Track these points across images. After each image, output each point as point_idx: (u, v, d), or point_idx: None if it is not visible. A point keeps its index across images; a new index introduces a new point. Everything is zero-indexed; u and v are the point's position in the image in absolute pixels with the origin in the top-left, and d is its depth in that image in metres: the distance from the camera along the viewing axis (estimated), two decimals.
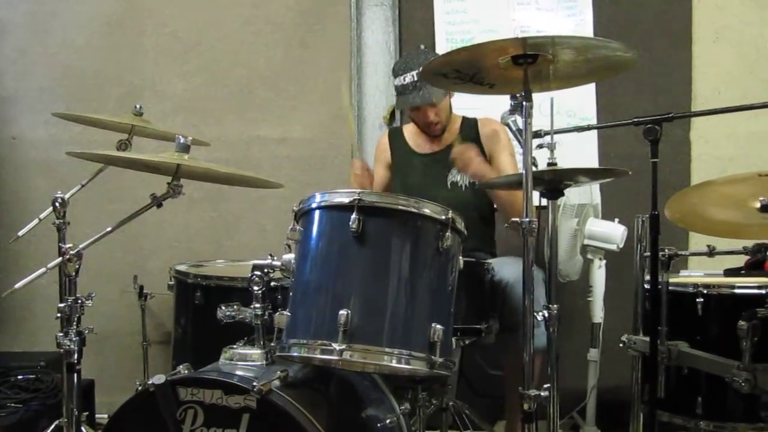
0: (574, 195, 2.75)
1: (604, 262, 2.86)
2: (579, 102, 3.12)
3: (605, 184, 2.87)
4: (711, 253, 2.18)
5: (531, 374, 1.69)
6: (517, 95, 1.65)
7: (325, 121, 3.25)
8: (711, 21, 3.16)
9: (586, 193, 2.82)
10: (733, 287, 2.18)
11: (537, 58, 1.63)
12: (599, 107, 3.15)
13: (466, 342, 2.06)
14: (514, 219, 1.66)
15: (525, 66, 1.62)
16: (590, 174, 2.15)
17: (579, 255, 2.83)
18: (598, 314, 2.86)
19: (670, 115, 1.96)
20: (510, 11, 3.22)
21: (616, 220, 2.83)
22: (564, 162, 2.04)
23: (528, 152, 1.64)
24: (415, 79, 2.45)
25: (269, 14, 3.27)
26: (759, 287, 2.12)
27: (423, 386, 2.08)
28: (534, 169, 1.78)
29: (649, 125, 1.96)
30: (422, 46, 3.11)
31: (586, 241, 2.79)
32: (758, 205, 1.93)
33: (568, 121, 3.07)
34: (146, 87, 3.27)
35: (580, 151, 3.06)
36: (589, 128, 2.07)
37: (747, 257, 2.20)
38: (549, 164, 1.97)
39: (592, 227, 2.80)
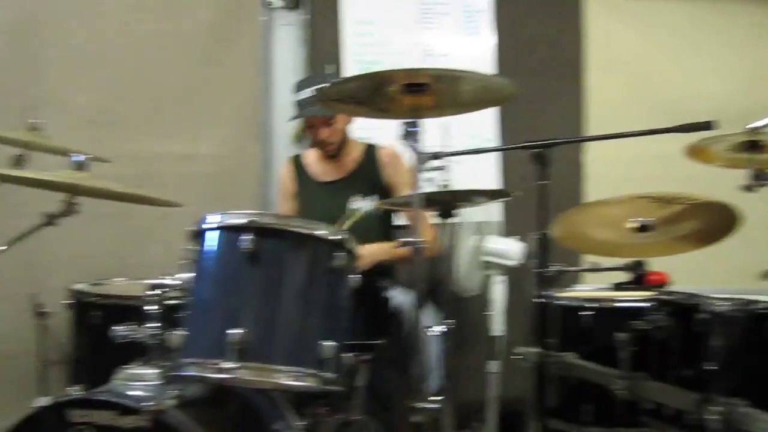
0: (474, 213, 2.86)
1: (503, 277, 2.97)
2: (482, 124, 3.24)
3: (509, 202, 2.99)
4: (594, 269, 2.32)
5: (418, 390, 1.76)
6: (406, 122, 1.73)
7: (234, 138, 3.24)
8: (600, 52, 3.37)
9: (486, 212, 2.95)
10: (614, 301, 2.32)
11: (426, 87, 1.73)
12: (502, 128, 3.29)
13: (363, 358, 2.11)
14: (402, 239, 1.73)
15: (413, 95, 1.71)
16: (482, 195, 2.26)
17: (479, 270, 2.94)
18: (497, 327, 2.96)
19: (556, 141, 2.09)
20: (416, 34, 3.33)
21: (518, 237, 2.96)
22: (466, 182, 2.13)
23: (417, 178, 1.72)
24: (311, 95, 2.52)
25: (178, 29, 3.23)
26: (637, 300, 2.24)
27: (326, 401, 2.12)
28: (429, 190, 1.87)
29: (537, 150, 2.08)
30: (330, 68, 3.17)
31: (484, 258, 2.91)
32: (632, 225, 2.09)
33: (471, 142, 3.18)
34: (49, 99, 3.14)
35: (482, 172, 3.19)
36: (479, 151, 2.20)
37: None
38: (442, 186, 2.06)
39: (490, 244, 2.91)
